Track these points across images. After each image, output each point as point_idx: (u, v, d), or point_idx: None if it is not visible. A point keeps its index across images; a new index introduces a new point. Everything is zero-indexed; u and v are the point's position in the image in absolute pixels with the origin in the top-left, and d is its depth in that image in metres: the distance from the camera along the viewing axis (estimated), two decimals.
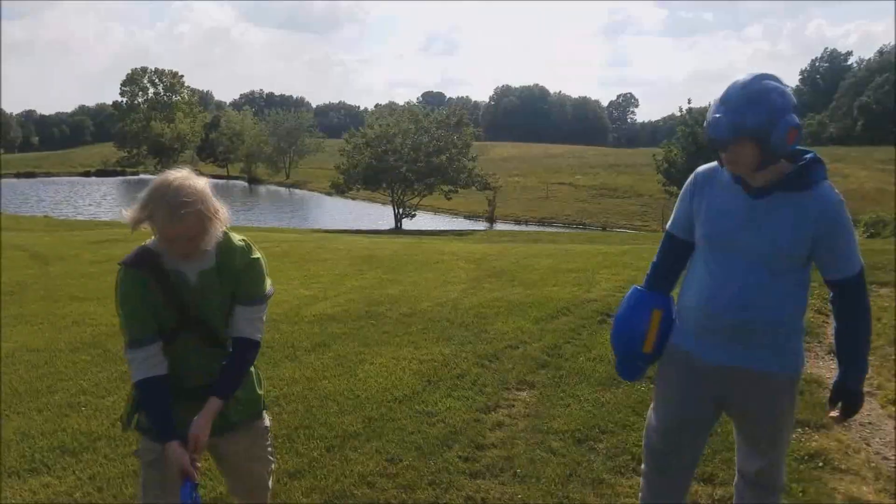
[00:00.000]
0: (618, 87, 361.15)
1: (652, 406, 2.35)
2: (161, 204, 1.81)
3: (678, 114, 32.40)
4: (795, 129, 1.89)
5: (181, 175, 1.89)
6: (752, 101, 1.87)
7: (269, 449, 2.28)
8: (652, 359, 2.30)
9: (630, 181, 42.15)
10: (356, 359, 4.82)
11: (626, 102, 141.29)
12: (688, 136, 29.51)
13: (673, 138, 32.30)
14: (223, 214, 1.94)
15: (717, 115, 1.92)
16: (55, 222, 25.40)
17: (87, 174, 69.16)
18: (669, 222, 2.30)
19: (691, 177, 2.20)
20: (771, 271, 2.00)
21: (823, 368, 4.56)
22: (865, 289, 2.03)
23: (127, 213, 1.87)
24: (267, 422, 2.26)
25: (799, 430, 3.51)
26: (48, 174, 67.18)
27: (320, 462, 3.27)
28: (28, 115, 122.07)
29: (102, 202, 42.62)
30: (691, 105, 31.03)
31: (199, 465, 1.95)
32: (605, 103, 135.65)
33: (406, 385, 4.25)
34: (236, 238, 2.06)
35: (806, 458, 3.24)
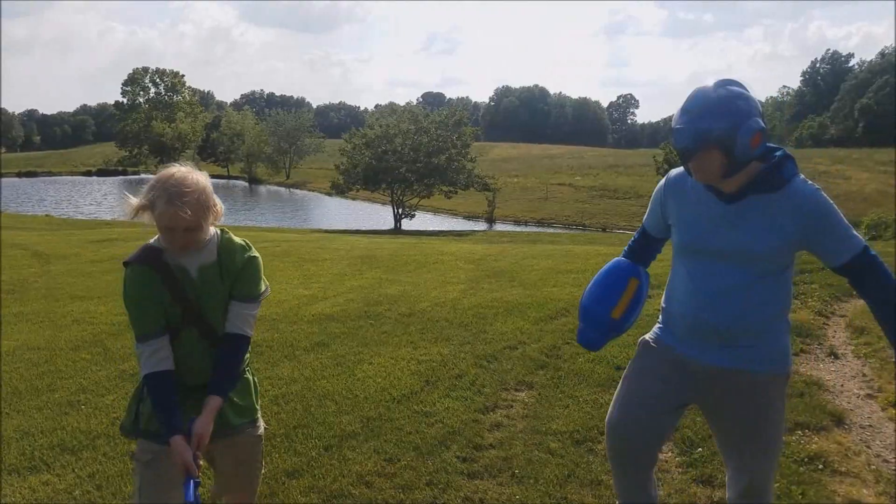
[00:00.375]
0: (618, 88, 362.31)
1: (618, 398, 2.28)
2: (162, 192, 1.89)
3: None
4: (760, 133, 1.84)
5: (184, 169, 1.97)
6: (715, 108, 1.83)
7: (260, 456, 2.30)
8: (616, 328, 2.27)
9: (630, 182, 42.14)
10: (355, 358, 4.82)
11: (626, 103, 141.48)
12: None
13: None
14: (219, 209, 2.02)
15: (681, 126, 1.87)
16: (56, 221, 25.43)
17: (88, 174, 69.32)
18: (645, 216, 2.31)
19: (663, 180, 2.18)
20: (750, 274, 1.98)
21: (823, 371, 4.56)
22: (879, 260, 1.95)
23: (130, 201, 1.94)
24: (261, 430, 2.28)
25: (798, 432, 3.50)
26: (49, 173, 67.32)
27: (318, 461, 3.27)
28: (30, 115, 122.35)
29: (103, 201, 42.66)
30: None
31: (200, 462, 1.96)
32: (605, 104, 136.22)
33: (404, 385, 4.25)
34: (236, 238, 2.13)
35: (805, 460, 3.23)
